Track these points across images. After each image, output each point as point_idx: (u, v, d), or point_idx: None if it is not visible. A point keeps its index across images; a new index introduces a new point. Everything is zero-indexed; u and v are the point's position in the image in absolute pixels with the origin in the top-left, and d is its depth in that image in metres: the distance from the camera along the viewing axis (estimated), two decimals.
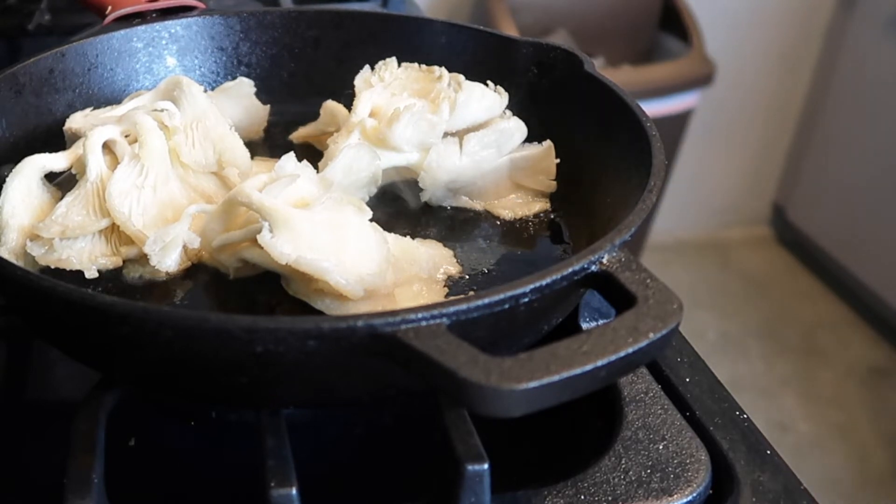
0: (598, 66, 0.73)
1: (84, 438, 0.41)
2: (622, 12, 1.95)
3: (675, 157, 1.96)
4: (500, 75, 0.64)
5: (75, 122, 0.59)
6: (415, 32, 0.70)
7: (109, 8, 0.69)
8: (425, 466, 0.46)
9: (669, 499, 0.43)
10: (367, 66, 0.64)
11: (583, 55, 0.62)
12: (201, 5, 0.71)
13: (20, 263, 0.50)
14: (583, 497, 0.43)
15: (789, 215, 2.36)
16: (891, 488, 1.69)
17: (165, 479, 0.48)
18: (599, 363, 0.34)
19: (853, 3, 2.08)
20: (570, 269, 0.39)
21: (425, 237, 0.56)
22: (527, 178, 0.61)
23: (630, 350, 0.35)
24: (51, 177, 0.55)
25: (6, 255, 0.50)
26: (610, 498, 0.43)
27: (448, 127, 0.59)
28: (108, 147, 0.54)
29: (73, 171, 0.54)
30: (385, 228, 0.51)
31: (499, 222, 0.59)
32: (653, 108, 1.73)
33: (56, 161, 0.54)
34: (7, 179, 0.52)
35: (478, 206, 0.60)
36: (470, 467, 0.39)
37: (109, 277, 0.52)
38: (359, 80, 0.62)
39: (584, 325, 0.54)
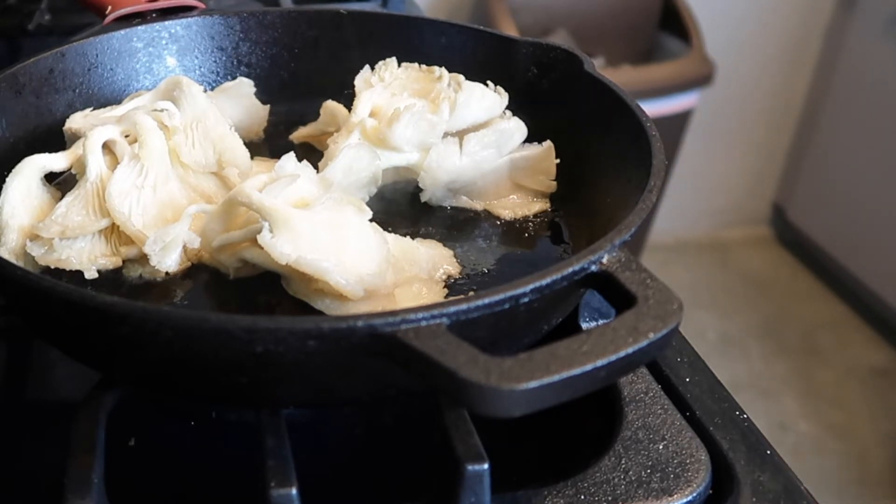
0: (598, 66, 0.73)
1: (84, 438, 0.41)
2: (622, 12, 1.95)
3: (675, 157, 1.96)
4: (500, 75, 0.64)
5: (75, 122, 0.59)
6: (415, 32, 0.69)
7: (109, 8, 0.69)
8: (425, 466, 0.46)
9: (669, 499, 0.43)
10: (367, 66, 0.64)
11: (583, 55, 0.62)
12: (201, 5, 0.71)
13: (20, 264, 0.50)
14: (583, 497, 0.43)
15: (789, 215, 2.36)
16: (890, 488, 1.69)
17: (165, 479, 0.48)
18: (599, 363, 0.34)
19: (853, 3, 2.08)
20: (570, 269, 0.39)
21: (425, 237, 0.56)
22: (527, 178, 0.61)
23: (630, 350, 0.35)
24: (51, 177, 0.55)
25: (6, 256, 0.50)
26: (610, 498, 0.43)
27: (448, 127, 0.59)
28: (108, 147, 0.54)
29: (73, 171, 0.54)
30: (385, 228, 0.51)
31: (499, 222, 0.59)
32: (653, 108, 1.73)
33: (56, 161, 0.54)
34: (7, 179, 0.52)
35: (478, 206, 0.60)
36: (470, 467, 0.39)
37: (109, 277, 0.52)
38: (359, 80, 0.62)
39: (584, 325, 0.54)
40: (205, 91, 0.60)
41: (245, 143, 0.60)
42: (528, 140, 0.61)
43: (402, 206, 0.60)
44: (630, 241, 0.42)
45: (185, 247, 0.52)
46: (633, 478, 0.44)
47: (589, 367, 0.34)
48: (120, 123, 0.55)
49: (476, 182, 0.60)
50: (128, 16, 0.69)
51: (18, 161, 0.53)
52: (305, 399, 0.44)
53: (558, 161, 0.60)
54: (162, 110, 0.56)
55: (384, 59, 0.64)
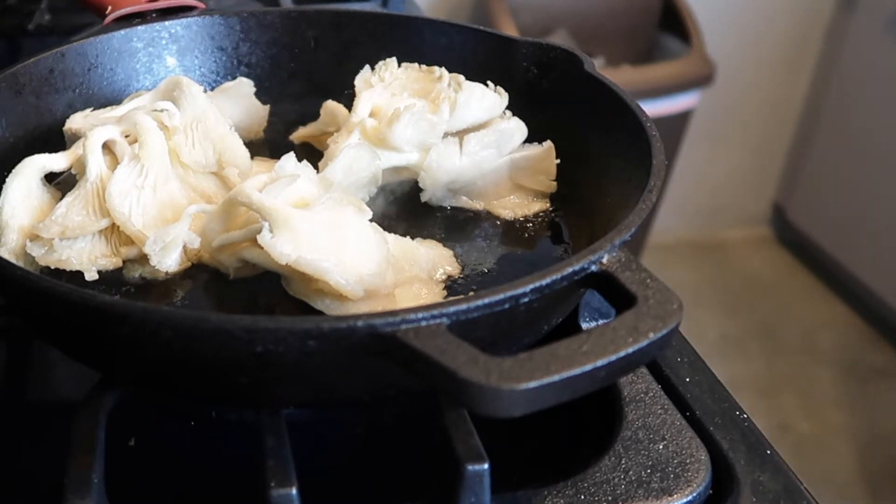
0: (598, 66, 0.73)
1: (84, 438, 0.41)
2: (622, 12, 1.95)
3: (675, 157, 1.96)
4: (500, 75, 0.64)
5: (75, 122, 0.59)
6: (415, 32, 0.69)
7: (109, 8, 0.69)
8: (425, 466, 0.46)
9: (669, 499, 0.43)
10: (367, 66, 0.64)
11: (583, 55, 0.62)
12: (201, 5, 0.71)
13: (20, 264, 0.50)
14: (583, 497, 0.43)
15: (789, 215, 2.36)
16: (890, 488, 1.69)
17: (165, 479, 0.48)
18: (599, 363, 0.34)
19: (853, 3, 2.08)
20: (570, 269, 0.39)
21: (425, 237, 0.56)
22: (527, 178, 0.61)
23: (630, 350, 0.35)
24: (51, 177, 0.55)
25: (6, 256, 0.50)
26: (610, 498, 0.43)
27: (448, 127, 0.59)
28: (108, 147, 0.54)
29: (73, 172, 0.54)
30: (385, 228, 0.51)
31: (499, 222, 0.59)
32: (653, 108, 1.73)
33: (56, 161, 0.54)
34: (7, 179, 0.52)
35: (478, 206, 0.60)
36: (470, 467, 0.39)
37: (109, 278, 0.52)
38: (359, 80, 0.62)
39: (584, 325, 0.54)
40: (205, 91, 0.60)
41: (245, 143, 0.60)
42: (528, 140, 0.61)
43: (402, 206, 0.60)
44: (630, 241, 0.42)
45: (185, 247, 0.52)
46: (633, 478, 0.44)
47: (589, 367, 0.34)
48: (120, 123, 0.55)
49: (476, 182, 0.60)
50: (128, 16, 0.69)
51: (18, 161, 0.53)
52: (305, 399, 0.44)
53: (558, 161, 0.60)
54: (162, 110, 0.56)
55: (384, 59, 0.64)
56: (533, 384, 0.33)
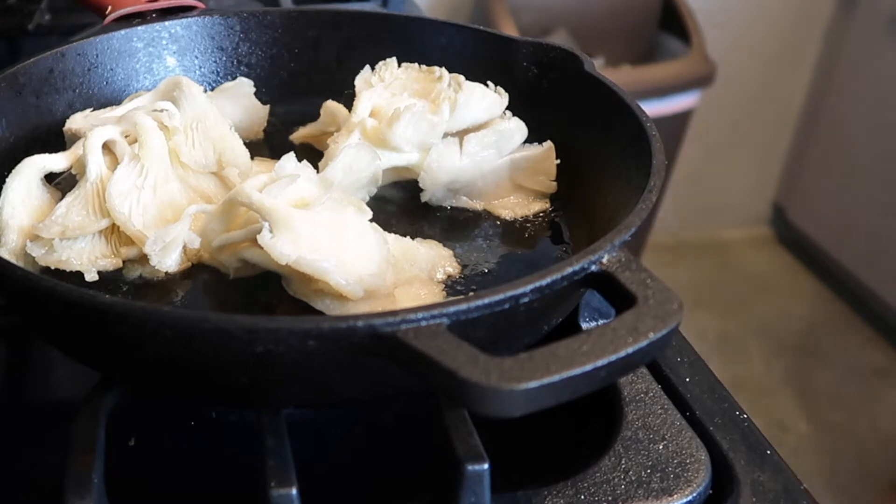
0: (598, 66, 0.73)
1: (84, 438, 0.41)
2: (622, 12, 1.95)
3: (675, 157, 1.96)
4: (501, 75, 0.64)
5: (75, 122, 0.59)
6: (415, 32, 0.69)
7: (109, 8, 0.69)
8: (425, 466, 0.46)
9: (669, 499, 0.43)
10: (367, 67, 0.64)
11: (583, 55, 0.62)
12: (201, 5, 0.71)
13: (20, 264, 0.50)
14: (583, 497, 0.43)
15: (789, 215, 2.36)
16: (890, 488, 1.69)
17: (165, 479, 0.48)
18: (599, 363, 0.34)
19: (853, 4, 2.08)
20: (570, 269, 0.39)
21: (425, 237, 0.56)
22: (527, 178, 0.61)
23: (630, 350, 0.35)
24: (51, 177, 0.55)
25: (6, 256, 0.50)
26: (610, 498, 0.43)
27: (448, 127, 0.59)
28: (107, 147, 0.54)
29: (73, 172, 0.54)
30: (385, 228, 0.51)
31: (499, 222, 0.59)
32: (653, 108, 1.73)
33: (56, 161, 0.54)
34: (7, 180, 0.52)
35: (478, 206, 0.60)
36: (470, 467, 0.39)
37: (109, 277, 0.52)
38: (359, 81, 0.62)
39: (584, 325, 0.54)
40: (205, 91, 0.60)
41: (245, 143, 0.60)
42: (529, 140, 0.61)
43: (402, 206, 0.60)
44: (630, 241, 0.42)
45: (185, 247, 0.52)
46: (633, 478, 0.44)
47: (589, 367, 0.34)
48: (120, 124, 0.55)
49: (476, 182, 0.60)
50: (128, 16, 0.69)
51: (18, 161, 0.53)
52: (305, 399, 0.44)
53: (558, 161, 0.60)
54: (162, 110, 0.56)
55: (384, 59, 0.64)
56: (533, 384, 0.33)
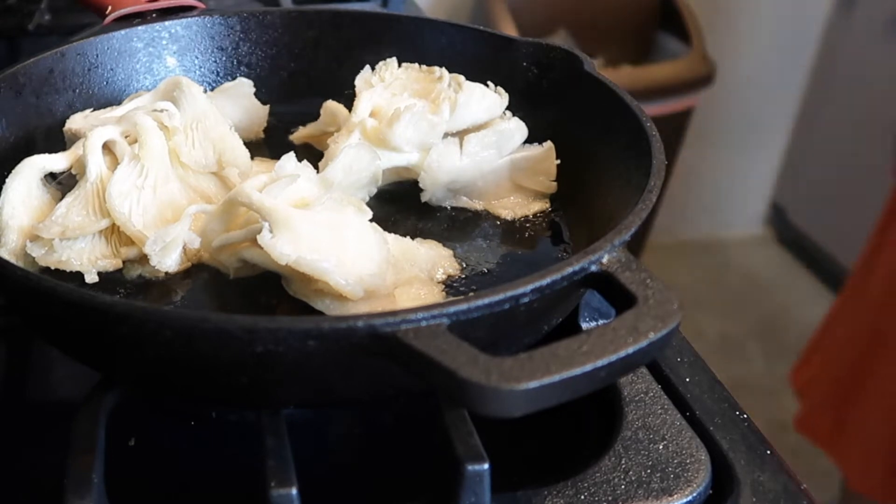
0: (598, 66, 0.73)
1: (84, 438, 0.41)
2: (622, 12, 1.95)
3: (675, 157, 1.96)
4: (501, 75, 0.64)
5: (75, 122, 0.59)
6: (415, 32, 0.69)
7: (109, 8, 0.69)
8: (425, 466, 0.46)
9: (669, 499, 0.43)
10: (367, 67, 0.64)
11: (583, 55, 0.62)
12: (201, 5, 0.71)
13: (20, 264, 0.50)
14: (583, 497, 0.43)
15: (789, 215, 2.36)
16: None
17: (165, 479, 0.48)
18: (599, 363, 0.34)
19: (852, 4, 2.08)
20: (570, 269, 0.39)
21: (425, 237, 0.56)
22: (527, 178, 0.61)
23: (630, 350, 0.35)
24: (51, 177, 0.55)
25: (6, 256, 0.50)
26: (610, 498, 0.43)
27: (448, 127, 0.59)
28: (107, 147, 0.54)
29: (73, 172, 0.54)
30: (385, 228, 0.51)
31: (499, 222, 0.59)
32: (653, 108, 1.73)
33: (56, 161, 0.54)
34: (7, 180, 0.52)
35: (478, 206, 0.60)
36: (470, 467, 0.39)
37: (109, 277, 0.52)
38: (359, 81, 0.62)
39: (584, 325, 0.54)
40: (205, 91, 0.60)
41: (245, 143, 0.60)
42: (529, 140, 0.61)
43: (402, 206, 0.60)
44: (630, 241, 0.42)
45: (185, 247, 0.52)
46: (633, 478, 0.44)
47: (589, 367, 0.34)
48: (120, 124, 0.55)
49: (476, 182, 0.60)
50: (128, 16, 0.69)
51: (18, 161, 0.53)
52: (305, 399, 0.44)
53: (558, 161, 0.60)
54: (162, 110, 0.56)
55: (384, 59, 0.64)
56: (533, 384, 0.33)
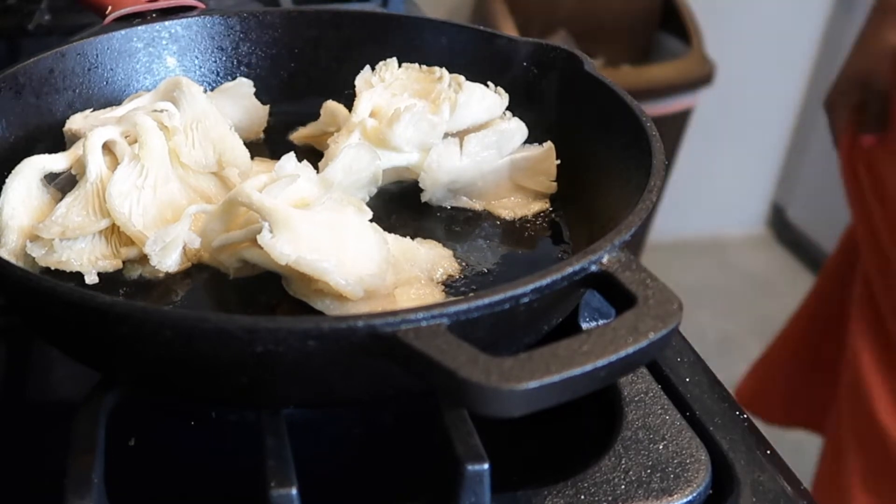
0: (598, 66, 0.73)
1: (84, 438, 0.41)
2: (622, 12, 1.95)
3: (675, 157, 1.97)
4: (501, 76, 0.64)
5: (75, 122, 0.59)
6: (415, 32, 0.69)
7: (109, 8, 0.69)
8: (425, 466, 0.46)
9: (669, 499, 0.43)
10: (367, 67, 0.64)
11: (583, 55, 0.62)
12: (201, 5, 0.71)
13: (20, 264, 0.50)
14: (583, 497, 0.43)
15: (789, 215, 2.36)
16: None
17: (165, 479, 0.48)
18: (599, 363, 0.34)
19: (853, 3, 2.08)
20: (570, 269, 0.39)
21: (425, 237, 0.56)
22: (527, 178, 0.61)
23: (630, 350, 0.35)
24: (51, 177, 0.55)
25: (6, 256, 0.50)
26: (610, 498, 0.43)
27: (448, 127, 0.59)
28: (107, 148, 0.54)
29: (73, 172, 0.54)
30: (385, 228, 0.51)
31: (499, 222, 0.59)
32: (653, 108, 1.73)
33: (56, 162, 0.54)
34: (7, 180, 0.52)
35: (478, 206, 0.60)
36: (470, 467, 0.39)
37: (109, 277, 0.52)
38: (359, 81, 0.62)
39: (584, 325, 0.54)
40: (205, 91, 0.60)
41: (245, 143, 0.60)
42: (529, 140, 0.61)
43: (402, 206, 0.60)
44: (630, 241, 0.42)
45: (185, 247, 0.52)
46: (633, 478, 0.44)
47: (589, 367, 0.34)
48: (120, 124, 0.55)
49: (476, 182, 0.60)
50: (128, 16, 0.69)
51: (18, 161, 0.53)
52: (305, 399, 0.44)
53: (558, 161, 0.60)
54: (162, 111, 0.56)
55: (384, 59, 0.64)
56: (533, 384, 0.33)
